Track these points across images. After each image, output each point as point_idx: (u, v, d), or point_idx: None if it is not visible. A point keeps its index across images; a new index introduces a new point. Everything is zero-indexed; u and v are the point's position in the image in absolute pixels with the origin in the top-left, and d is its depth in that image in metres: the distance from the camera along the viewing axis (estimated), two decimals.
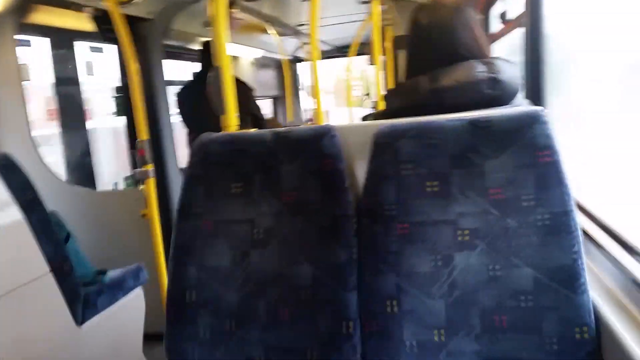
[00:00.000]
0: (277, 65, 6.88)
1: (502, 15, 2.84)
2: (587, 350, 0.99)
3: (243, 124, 3.50)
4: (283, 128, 1.26)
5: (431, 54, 1.31)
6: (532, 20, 1.95)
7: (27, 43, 2.94)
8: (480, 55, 1.29)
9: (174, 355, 1.21)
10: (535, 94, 1.90)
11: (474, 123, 1.10)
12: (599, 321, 1.00)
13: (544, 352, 1.00)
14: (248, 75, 5.75)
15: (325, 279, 1.14)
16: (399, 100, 1.33)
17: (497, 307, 1.03)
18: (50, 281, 1.88)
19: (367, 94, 7.90)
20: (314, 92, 2.20)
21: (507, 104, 1.23)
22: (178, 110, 3.54)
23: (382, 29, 4.80)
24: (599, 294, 1.08)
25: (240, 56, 5.52)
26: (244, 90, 3.61)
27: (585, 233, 1.25)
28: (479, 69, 1.21)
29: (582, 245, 1.03)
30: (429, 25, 1.31)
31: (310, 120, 7.08)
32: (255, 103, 3.75)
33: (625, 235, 1.17)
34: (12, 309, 1.71)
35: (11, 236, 1.77)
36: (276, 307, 1.16)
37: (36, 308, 1.82)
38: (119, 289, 2.25)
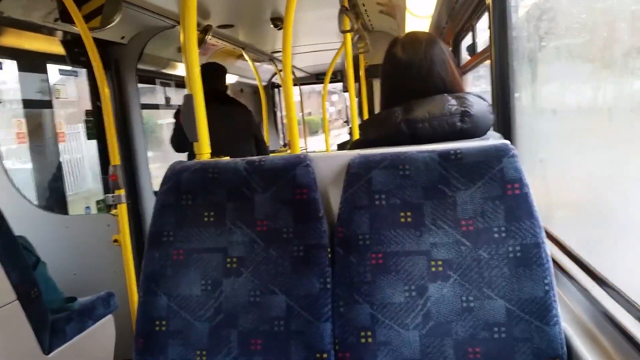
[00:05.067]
0: (254, 90, 6.93)
1: (470, 48, 2.93)
2: None
3: (247, 146, 3.54)
4: (257, 157, 1.27)
5: (406, 86, 1.34)
6: (498, 52, 2.02)
7: None
8: (454, 88, 1.33)
9: None
10: (504, 126, 1.95)
11: (444, 155, 1.12)
12: (571, 353, 1.02)
13: None
14: None
15: (299, 309, 1.13)
16: (374, 130, 1.35)
17: (470, 338, 1.04)
18: (17, 308, 1.83)
19: (346, 122, 8.06)
20: (289, 119, 2.21)
21: (478, 138, 1.27)
22: (173, 132, 3.57)
23: (356, 58, 4.91)
24: (571, 325, 1.10)
25: None
26: (245, 113, 3.64)
27: (556, 263, 1.28)
28: (451, 103, 1.25)
29: (553, 276, 1.05)
30: (406, 59, 1.34)
31: (286, 145, 7.12)
32: (257, 125, 3.77)
33: (595, 267, 1.20)
34: None
35: None
36: (249, 337, 1.14)
37: (1, 336, 1.76)
38: (88, 316, 2.20)
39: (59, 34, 2.99)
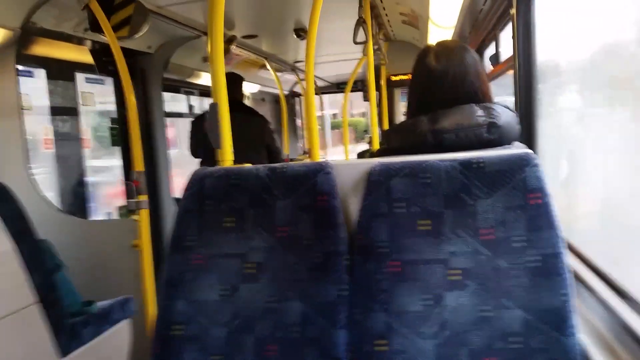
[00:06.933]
0: (275, 99, 6.99)
1: (493, 58, 2.90)
2: None
3: (256, 156, 3.56)
4: (278, 164, 1.27)
5: (437, 95, 1.32)
6: (522, 62, 2.00)
7: (29, 73, 2.97)
8: (484, 98, 1.31)
9: None
10: (528, 136, 1.93)
11: (466, 164, 1.11)
12: None
13: None
14: None
15: (315, 316, 1.12)
16: (399, 139, 1.34)
17: (486, 348, 1.03)
18: (37, 311, 1.86)
19: (366, 131, 8.04)
20: (309, 128, 2.21)
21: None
22: (190, 140, 3.65)
23: (377, 68, 4.91)
24: (589, 336, 1.08)
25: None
26: (260, 123, 3.67)
27: (575, 275, 1.26)
28: (479, 114, 1.23)
29: (573, 287, 1.03)
30: (441, 68, 1.32)
31: (306, 152, 7.13)
32: (271, 135, 3.80)
33: (616, 279, 1.17)
34: None
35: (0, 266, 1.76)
36: (265, 343, 1.14)
37: (20, 338, 1.79)
38: (105, 320, 2.22)
39: (88, 43, 3.06)
